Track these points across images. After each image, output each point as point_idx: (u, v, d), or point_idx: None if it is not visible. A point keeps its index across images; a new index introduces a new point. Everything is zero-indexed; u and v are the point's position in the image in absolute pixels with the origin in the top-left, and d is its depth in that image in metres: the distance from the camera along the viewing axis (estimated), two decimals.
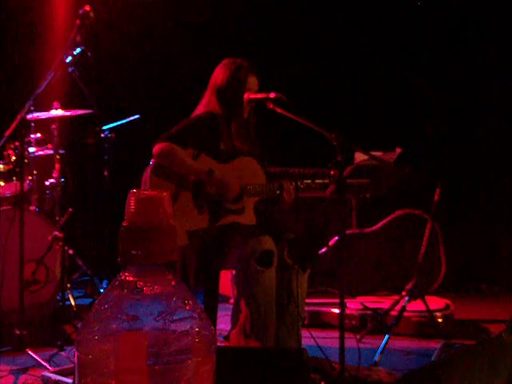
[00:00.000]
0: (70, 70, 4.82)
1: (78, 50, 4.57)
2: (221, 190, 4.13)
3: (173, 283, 1.28)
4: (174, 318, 1.25)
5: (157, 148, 4.08)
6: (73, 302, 5.24)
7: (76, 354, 1.28)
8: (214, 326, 4.20)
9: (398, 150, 5.73)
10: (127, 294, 1.26)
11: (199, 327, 1.26)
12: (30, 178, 5.42)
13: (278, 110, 3.98)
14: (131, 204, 1.28)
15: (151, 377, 1.21)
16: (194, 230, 4.07)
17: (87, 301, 5.80)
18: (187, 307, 1.27)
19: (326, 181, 4.21)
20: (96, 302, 1.30)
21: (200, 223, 4.11)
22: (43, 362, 4.13)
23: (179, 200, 4.08)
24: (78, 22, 4.40)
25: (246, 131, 4.41)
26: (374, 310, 5.14)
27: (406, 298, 4.70)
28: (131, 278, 1.28)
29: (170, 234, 1.28)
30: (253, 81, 4.29)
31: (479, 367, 2.92)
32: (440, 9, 7.04)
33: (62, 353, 4.44)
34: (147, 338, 1.23)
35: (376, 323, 4.95)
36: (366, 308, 5.20)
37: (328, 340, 4.43)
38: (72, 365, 4.11)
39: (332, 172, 3.75)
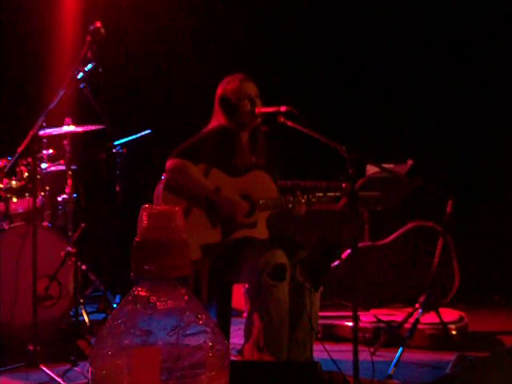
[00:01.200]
0: (81, 86, 4.85)
1: (89, 66, 4.59)
2: (228, 209, 4.14)
3: (186, 298, 1.29)
4: (188, 332, 1.25)
5: (169, 164, 4.10)
6: (86, 318, 5.25)
7: (90, 369, 1.28)
8: (227, 340, 4.20)
9: (410, 162, 5.73)
10: (140, 309, 1.27)
11: (212, 341, 1.26)
12: (42, 193, 5.45)
13: (289, 124, 3.99)
14: (144, 219, 1.29)
15: None
16: (207, 244, 4.08)
17: (100, 316, 5.81)
18: (200, 321, 1.27)
19: (338, 194, 4.21)
20: (109, 317, 1.30)
21: (213, 237, 4.12)
22: (57, 378, 4.13)
23: (192, 214, 4.09)
24: (88, 38, 4.43)
25: (257, 144, 4.44)
26: (388, 322, 5.12)
27: (420, 311, 4.68)
28: (144, 293, 1.28)
29: (182, 248, 1.28)
30: (249, 85, 4.35)
31: (494, 380, 2.91)
32: (458, 20, 7.04)
33: (76, 368, 4.43)
34: (161, 353, 1.23)
35: (390, 336, 4.93)
36: (379, 321, 5.19)
37: (342, 353, 4.41)
38: (86, 380, 4.11)
39: (344, 185, 3.75)
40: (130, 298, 1.28)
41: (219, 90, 4.39)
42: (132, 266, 1.28)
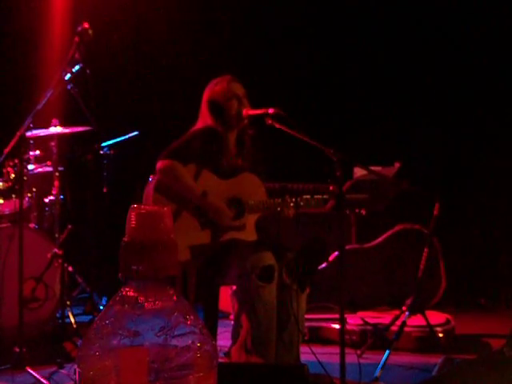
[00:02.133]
0: (68, 87, 4.84)
1: (77, 67, 4.58)
2: (214, 216, 4.14)
3: (174, 298, 1.28)
4: (176, 333, 1.24)
5: (159, 165, 4.11)
6: (72, 320, 5.23)
7: (77, 370, 1.27)
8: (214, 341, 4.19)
9: (397, 165, 5.74)
10: (128, 310, 1.26)
11: (201, 342, 1.26)
12: (29, 195, 5.42)
13: (277, 126, 3.99)
14: (132, 219, 1.28)
15: None
16: (196, 246, 4.08)
17: (87, 318, 5.78)
18: (188, 322, 1.27)
19: (326, 196, 4.21)
20: (97, 317, 1.29)
21: (202, 239, 4.12)
22: (43, 380, 4.11)
23: (182, 216, 4.08)
24: (76, 39, 4.42)
25: (244, 146, 4.44)
26: (375, 325, 5.12)
27: (407, 313, 4.68)
28: (132, 294, 1.27)
29: (170, 248, 1.28)
30: (237, 86, 4.37)
31: (480, 382, 2.92)
32: (445, 24, 7.06)
33: (62, 370, 4.41)
34: (148, 354, 1.22)
35: (376, 338, 4.93)
36: (366, 323, 5.19)
37: (328, 356, 4.41)
38: (72, 382, 4.10)
39: (331, 187, 3.75)
40: (117, 298, 1.28)
41: (207, 92, 4.39)
42: (120, 266, 1.28)
